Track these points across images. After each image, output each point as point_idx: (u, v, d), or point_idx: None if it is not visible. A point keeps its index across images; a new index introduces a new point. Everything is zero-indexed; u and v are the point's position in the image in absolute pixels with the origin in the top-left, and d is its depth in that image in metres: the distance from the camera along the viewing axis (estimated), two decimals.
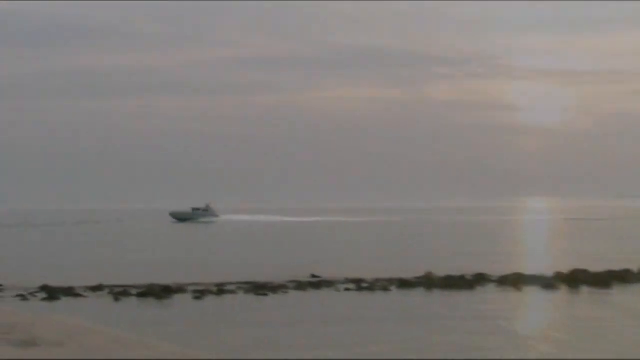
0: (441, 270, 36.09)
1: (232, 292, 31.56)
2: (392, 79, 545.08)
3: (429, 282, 34.08)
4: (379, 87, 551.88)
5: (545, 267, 38.56)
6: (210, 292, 31.23)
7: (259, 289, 32.09)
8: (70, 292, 31.09)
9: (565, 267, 36.33)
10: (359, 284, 33.55)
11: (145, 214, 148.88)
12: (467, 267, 38.03)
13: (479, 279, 34.97)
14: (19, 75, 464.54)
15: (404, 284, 33.72)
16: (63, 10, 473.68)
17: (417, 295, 31.81)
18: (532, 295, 31.97)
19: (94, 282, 32.60)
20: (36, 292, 31.04)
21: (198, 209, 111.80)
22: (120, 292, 30.98)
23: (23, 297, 30.26)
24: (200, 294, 30.84)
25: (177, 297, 30.32)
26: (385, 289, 32.74)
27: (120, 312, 27.40)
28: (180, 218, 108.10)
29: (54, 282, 32.54)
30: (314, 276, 35.73)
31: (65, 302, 29.40)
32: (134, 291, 31.13)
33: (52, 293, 30.82)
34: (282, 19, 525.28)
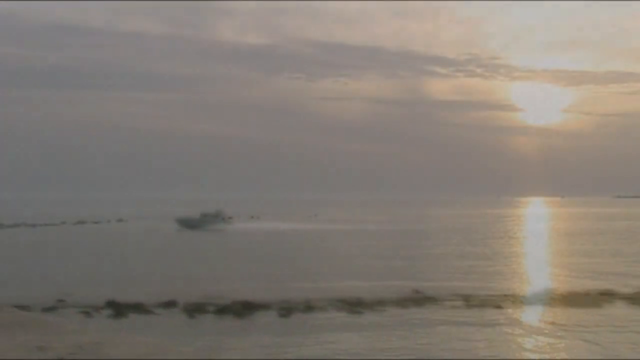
0: (555, 285, 32.91)
1: (321, 308, 27.94)
2: (392, 79, 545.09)
3: (548, 298, 30.16)
4: (378, 87, 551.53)
5: None
6: (297, 309, 27.63)
7: (353, 305, 28.39)
8: (138, 308, 27.60)
9: None
10: (467, 300, 29.75)
11: (142, 213, 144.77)
12: (589, 284, 34.49)
13: (608, 296, 30.52)
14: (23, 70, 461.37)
15: (519, 300, 29.87)
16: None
17: (536, 312, 27.80)
18: None
19: (160, 296, 29.15)
20: (101, 308, 27.70)
21: (208, 215, 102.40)
22: (195, 309, 27.52)
23: (87, 314, 27.04)
24: (286, 310, 27.30)
25: (259, 314, 26.99)
26: (497, 306, 28.78)
27: (196, 330, 24.21)
28: (189, 224, 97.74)
29: (110, 295, 29.10)
30: (416, 291, 31.74)
31: (133, 319, 26.18)
32: (210, 307, 27.73)
33: (119, 309, 27.34)
34: (281, 19, 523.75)
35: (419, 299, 29.84)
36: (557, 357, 20.20)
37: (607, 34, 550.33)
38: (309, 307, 27.98)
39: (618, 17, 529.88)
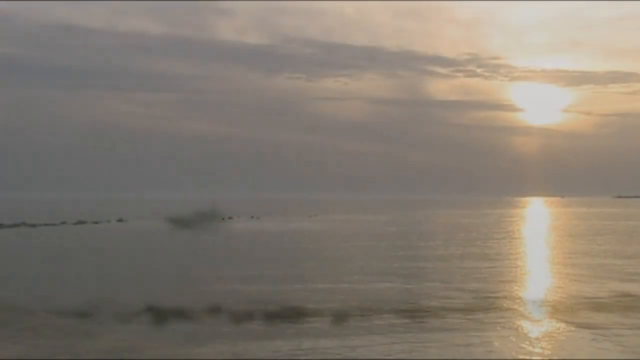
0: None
1: (378, 315, 25.84)
2: (392, 79, 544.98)
3: (627, 303, 28.25)
4: (378, 87, 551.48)
5: None
6: (353, 315, 25.58)
7: (413, 312, 26.27)
8: (181, 314, 25.63)
9: None
10: (537, 304, 27.94)
11: (142, 213, 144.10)
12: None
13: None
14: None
15: (596, 306, 27.73)
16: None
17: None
18: None
19: (198, 300, 27.58)
20: (140, 314, 25.70)
21: (202, 213, 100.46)
22: (241, 315, 25.41)
23: (125, 320, 25.02)
24: (340, 318, 25.11)
25: (312, 320, 25.07)
26: (572, 309, 26.97)
27: (242, 338, 22.49)
28: (181, 224, 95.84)
29: (143, 298, 27.74)
30: (482, 297, 29.96)
31: (175, 325, 24.35)
32: (258, 313, 25.75)
33: (159, 315, 25.36)
34: (281, 19, 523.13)
35: (486, 306, 27.83)
36: (581, 358, 19.80)
37: (607, 34, 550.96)
38: (365, 314, 26.01)
39: (618, 17, 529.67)
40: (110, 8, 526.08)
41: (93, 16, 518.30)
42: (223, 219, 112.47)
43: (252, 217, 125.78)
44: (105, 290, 31.99)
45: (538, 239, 74.00)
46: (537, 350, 20.58)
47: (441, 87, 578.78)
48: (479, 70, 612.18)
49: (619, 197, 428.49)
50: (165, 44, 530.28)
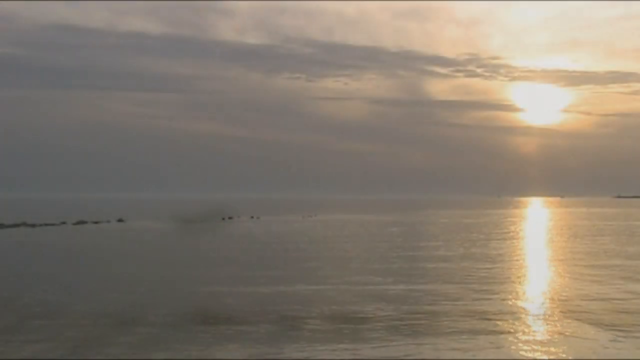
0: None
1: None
2: (392, 79, 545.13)
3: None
4: (378, 87, 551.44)
5: None
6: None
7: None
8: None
9: None
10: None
11: (142, 213, 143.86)
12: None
13: None
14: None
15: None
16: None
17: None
18: None
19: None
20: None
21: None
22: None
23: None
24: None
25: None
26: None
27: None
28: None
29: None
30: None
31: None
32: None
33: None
34: (281, 19, 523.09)
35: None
36: (596, 358, 19.47)
37: (607, 34, 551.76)
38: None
39: (618, 17, 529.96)
40: (110, 8, 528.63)
41: (93, 16, 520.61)
42: (223, 218, 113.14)
43: (252, 217, 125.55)
44: (116, 292, 31.58)
45: (541, 240, 73.64)
46: (550, 350, 20.24)
47: (441, 87, 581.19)
48: (479, 70, 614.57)
49: (619, 197, 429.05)
50: (165, 44, 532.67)
